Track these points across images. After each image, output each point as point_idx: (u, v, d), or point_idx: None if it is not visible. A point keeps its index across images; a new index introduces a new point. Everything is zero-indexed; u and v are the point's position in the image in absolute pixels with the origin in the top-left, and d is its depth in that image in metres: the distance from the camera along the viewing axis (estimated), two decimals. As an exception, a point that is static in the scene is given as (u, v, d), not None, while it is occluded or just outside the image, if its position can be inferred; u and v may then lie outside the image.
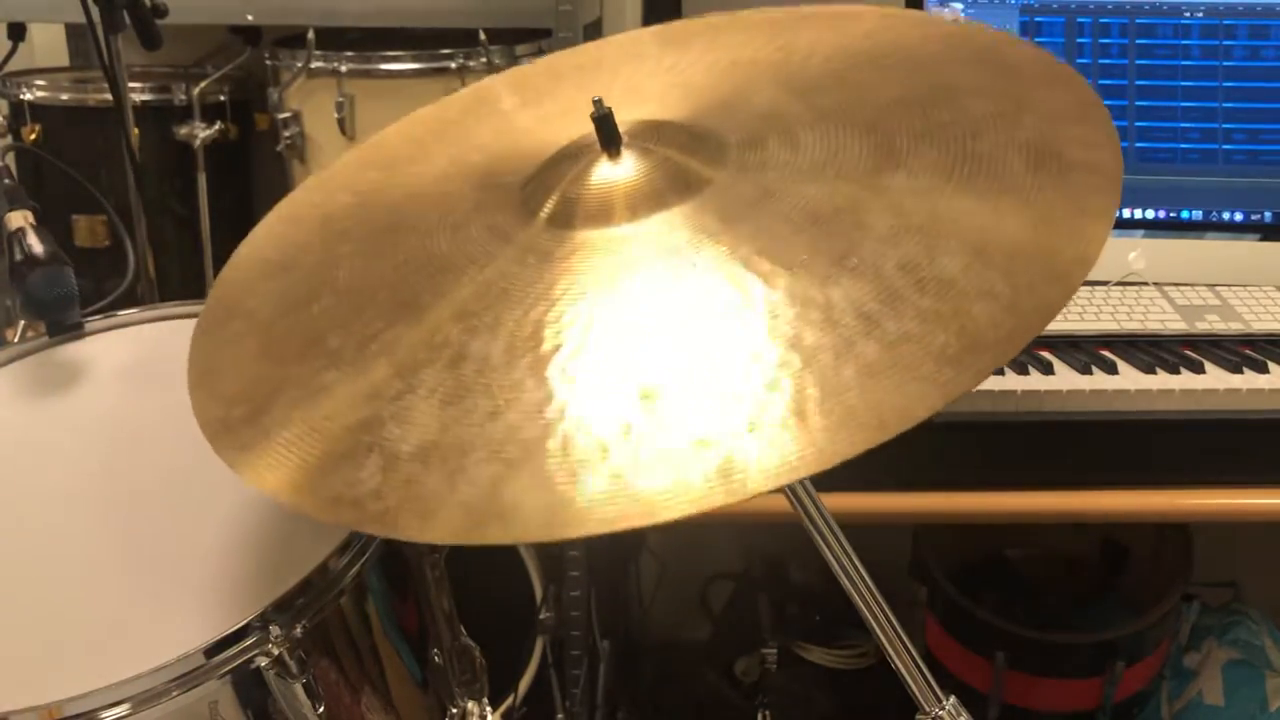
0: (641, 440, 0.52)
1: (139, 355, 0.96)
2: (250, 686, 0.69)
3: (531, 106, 0.83)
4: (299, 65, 1.41)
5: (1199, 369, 1.00)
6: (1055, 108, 0.67)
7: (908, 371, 0.52)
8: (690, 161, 0.67)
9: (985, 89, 0.70)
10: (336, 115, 1.40)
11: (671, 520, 0.49)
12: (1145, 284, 1.17)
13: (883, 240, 0.59)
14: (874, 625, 0.70)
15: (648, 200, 0.65)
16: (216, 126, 1.53)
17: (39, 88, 1.52)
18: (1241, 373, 1.00)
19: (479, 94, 0.90)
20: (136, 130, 1.31)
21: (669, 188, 0.65)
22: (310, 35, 1.39)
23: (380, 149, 0.86)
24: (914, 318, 0.54)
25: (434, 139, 0.85)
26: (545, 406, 0.55)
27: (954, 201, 0.61)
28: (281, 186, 1.55)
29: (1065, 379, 1.00)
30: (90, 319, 0.99)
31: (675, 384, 0.54)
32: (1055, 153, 0.63)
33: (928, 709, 0.70)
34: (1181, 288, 1.17)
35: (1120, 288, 1.16)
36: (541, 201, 0.68)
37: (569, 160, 0.69)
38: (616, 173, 0.67)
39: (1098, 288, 1.16)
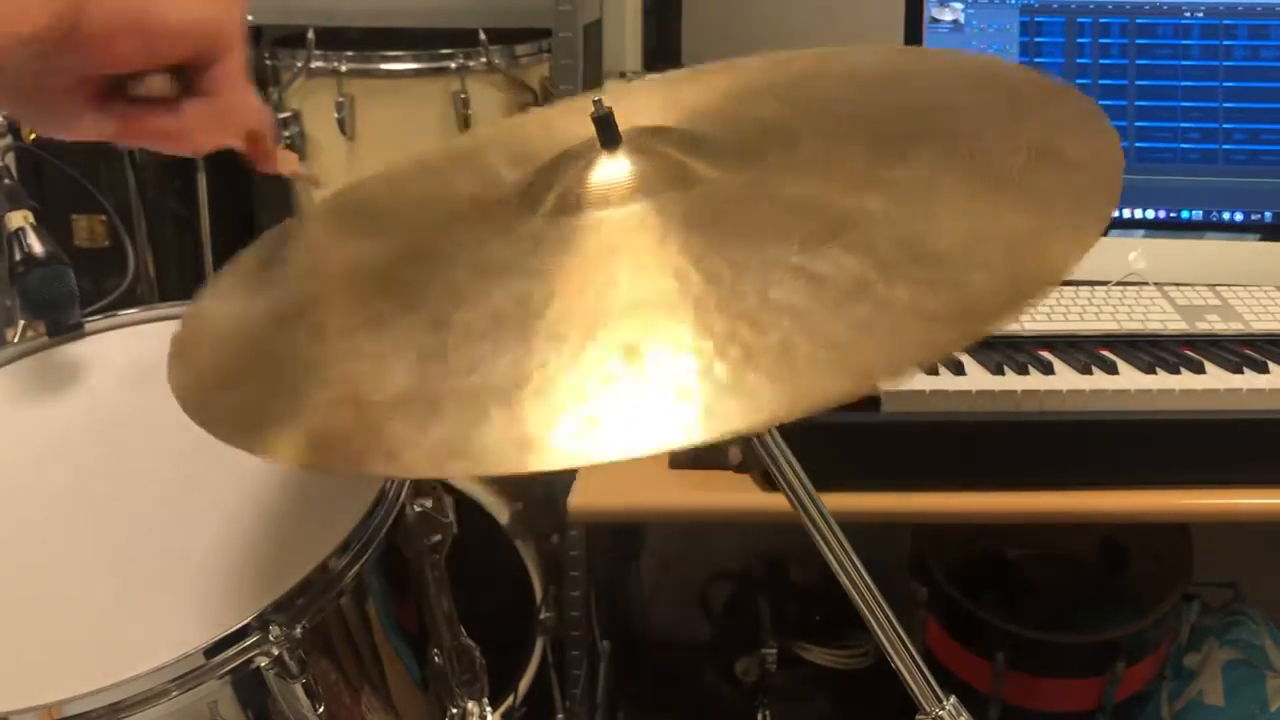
0: (621, 387, 0.52)
1: (139, 355, 0.96)
2: (250, 686, 0.69)
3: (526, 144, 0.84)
4: (299, 65, 1.41)
5: (1199, 369, 1.00)
6: (1056, 116, 0.68)
7: (897, 329, 0.53)
8: (688, 159, 0.68)
9: (986, 103, 0.71)
10: (336, 115, 1.40)
11: (648, 456, 0.49)
12: (1145, 284, 1.17)
13: (879, 220, 0.60)
14: (874, 625, 0.70)
15: (645, 192, 0.66)
16: (216, 126, 1.53)
17: (39, 88, 1.52)
18: (1241, 373, 1.00)
19: (474, 146, 0.91)
20: (137, 130, 1.31)
21: (667, 183, 0.66)
22: (310, 35, 1.39)
23: (384, 178, 0.87)
24: (907, 285, 0.55)
25: (449, 165, 0.86)
26: (524, 361, 0.55)
27: (952, 190, 0.62)
28: (281, 186, 1.55)
29: (1065, 379, 1.00)
30: (90, 319, 0.99)
31: (661, 342, 0.54)
32: (1055, 150, 0.63)
33: (928, 709, 0.70)
34: (1181, 288, 1.17)
35: (1120, 288, 1.16)
36: (541, 198, 0.68)
37: (569, 160, 0.70)
38: (615, 169, 0.67)
39: (1098, 288, 1.16)
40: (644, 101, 0.82)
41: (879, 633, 0.70)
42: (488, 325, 0.59)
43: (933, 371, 1.01)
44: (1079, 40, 1.22)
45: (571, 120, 0.75)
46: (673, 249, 0.61)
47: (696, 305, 0.56)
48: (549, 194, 0.68)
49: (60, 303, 0.95)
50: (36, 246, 0.92)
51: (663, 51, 1.61)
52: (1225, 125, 1.21)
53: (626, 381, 0.53)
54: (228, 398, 0.62)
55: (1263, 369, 1.00)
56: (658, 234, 0.62)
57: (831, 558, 0.70)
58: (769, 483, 0.70)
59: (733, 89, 0.81)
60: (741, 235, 0.61)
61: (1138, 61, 1.21)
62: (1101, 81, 1.22)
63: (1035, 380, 0.99)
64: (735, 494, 1.00)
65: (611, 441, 0.50)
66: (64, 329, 0.97)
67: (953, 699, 0.70)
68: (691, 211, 0.64)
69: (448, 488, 0.87)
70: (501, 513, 1.45)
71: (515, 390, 0.54)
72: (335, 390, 0.58)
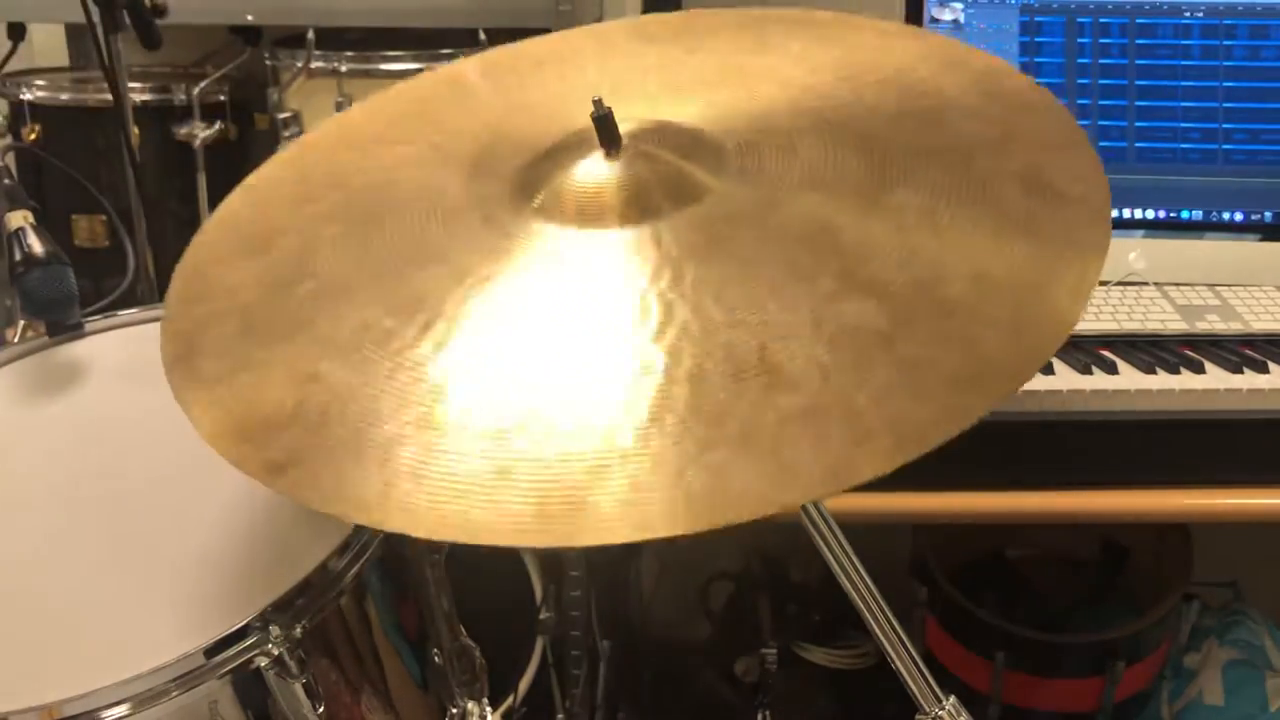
0: (655, 467, 0.52)
1: (139, 355, 0.96)
2: (250, 686, 0.69)
3: (511, 93, 0.82)
4: (299, 65, 1.41)
5: (1199, 369, 1.00)
6: (1040, 133, 0.68)
7: (923, 394, 0.52)
8: (689, 167, 0.67)
9: (978, 113, 0.70)
10: (336, 115, 1.40)
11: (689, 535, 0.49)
12: (1145, 284, 1.17)
13: (888, 260, 0.59)
14: (874, 625, 0.70)
15: (646, 204, 0.65)
16: (216, 126, 1.53)
17: (39, 88, 1.52)
18: (1241, 373, 1.00)
19: (452, 75, 0.89)
20: (136, 130, 1.31)
21: (667, 195, 0.65)
22: (310, 35, 1.39)
23: (350, 127, 0.85)
24: (925, 340, 0.54)
25: (409, 119, 0.83)
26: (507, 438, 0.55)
27: (954, 224, 0.61)
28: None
29: (1065, 379, 1.00)
30: (90, 319, 0.99)
31: (689, 412, 0.54)
32: (1046, 183, 0.63)
33: (928, 709, 0.70)
34: (1181, 288, 1.17)
35: (1120, 288, 1.16)
36: (535, 192, 0.67)
37: (567, 151, 0.69)
38: (617, 173, 0.66)
39: (1098, 288, 1.16)
40: (625, 70, 0.80)
41: (879, 633, 0.70)
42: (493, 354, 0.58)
43: (933, 371, 1.01)
44: (1079, 40, 1.22)
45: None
46: (668, 289, 0.59)
47: (717, 348, 0.55)
48: (539, 193, 0.67)
49: (60, 303, 0.95)
50: (36, 246, 0.93)
51: (663, 51, 1.61)
52: (1225, 125, 1.21)
53: (657, 452, 0.52)
54: (247, 427, 0.62)
55: (1263, 369, 1.00)
56: (653, 268, 0.61)
57: (831, 558, 0.70)
58: (769, 483, 0.70)
59: (723, 70, 0.78)
60: (754, 272, 0.59)
61: (1138, 61, 1.21)
62: (1101, 81, 1.22)
63: (1036, 380, 0.99)
64: (735, 494, 1.00)
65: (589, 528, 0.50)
66: (64, 329, 0.97)
67: (952, 699, 0.70)
68: (701, 235, 0.62)
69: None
70: (501, 513, 1.45)
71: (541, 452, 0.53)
72: (361, 426, 0.57)
